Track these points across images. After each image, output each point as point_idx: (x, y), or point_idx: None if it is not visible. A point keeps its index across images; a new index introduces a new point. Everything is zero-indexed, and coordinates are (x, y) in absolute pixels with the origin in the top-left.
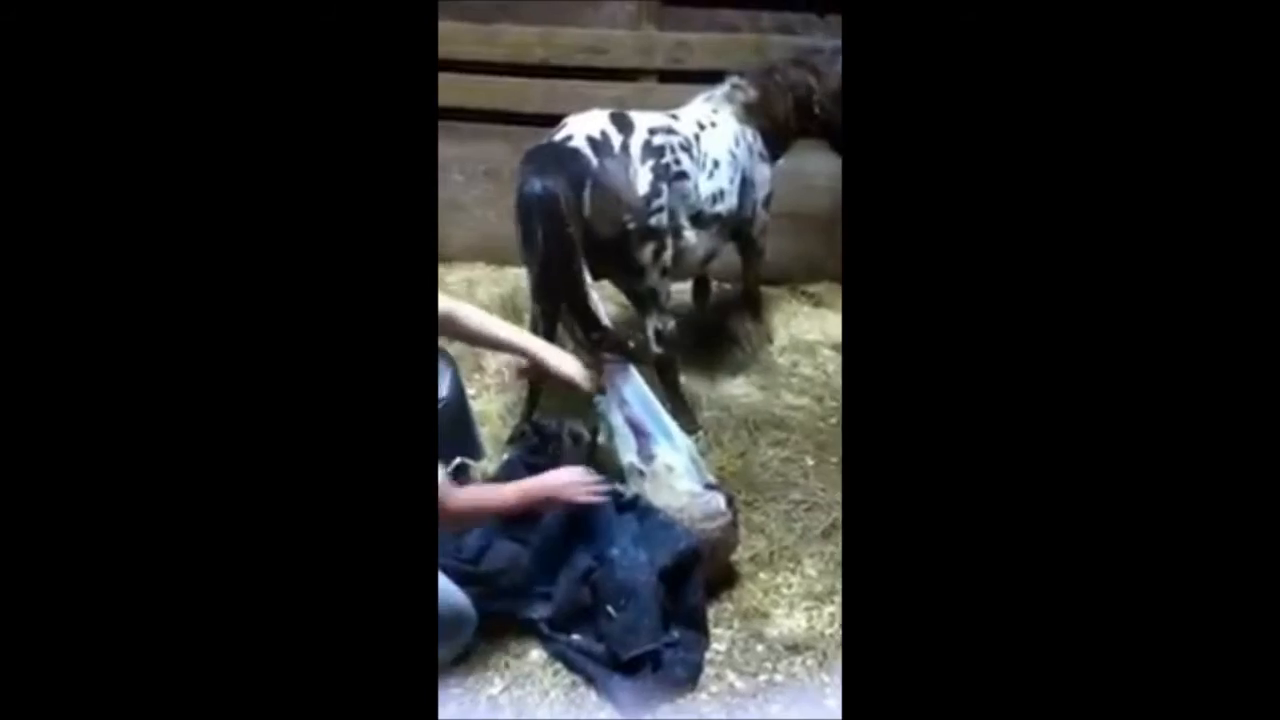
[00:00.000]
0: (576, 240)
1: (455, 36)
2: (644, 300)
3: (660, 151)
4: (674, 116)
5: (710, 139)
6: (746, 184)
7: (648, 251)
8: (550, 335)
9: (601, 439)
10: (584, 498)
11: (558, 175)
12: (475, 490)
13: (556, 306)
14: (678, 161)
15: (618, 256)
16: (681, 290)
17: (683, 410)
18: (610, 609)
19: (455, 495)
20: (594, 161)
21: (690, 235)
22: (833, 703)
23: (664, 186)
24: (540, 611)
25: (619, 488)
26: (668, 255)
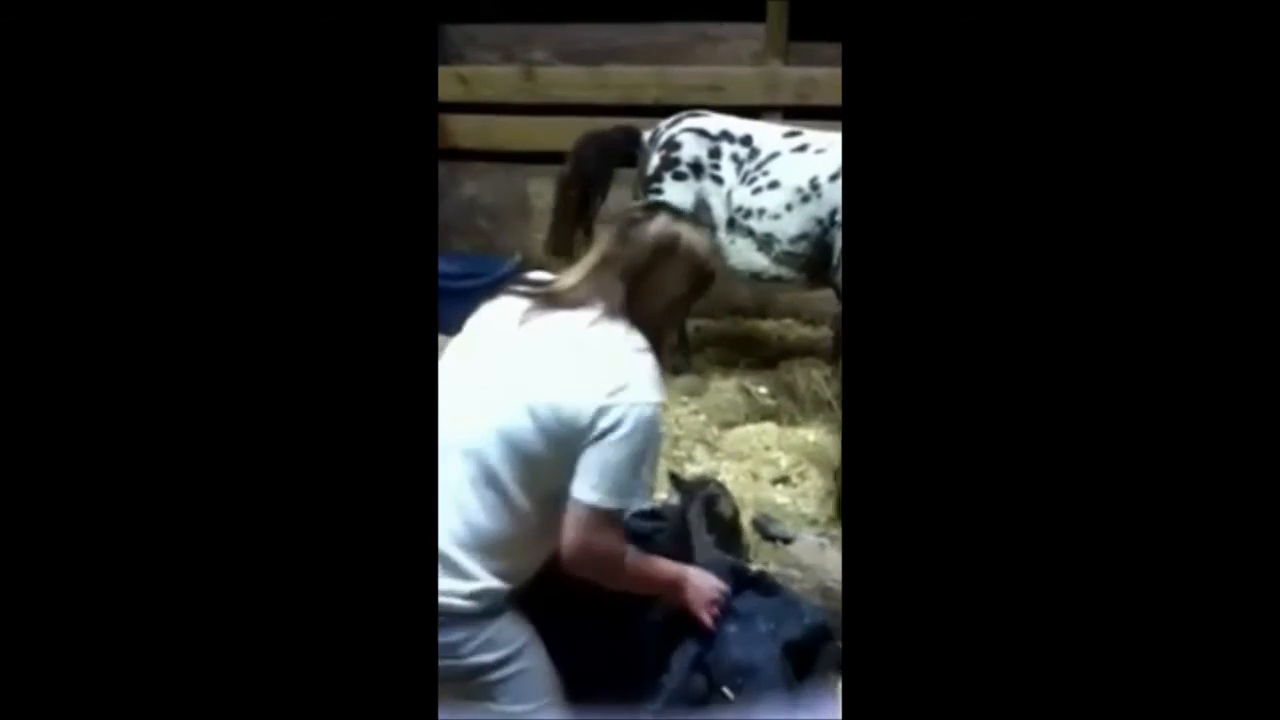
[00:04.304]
0: (580, 181)
1: (565, 80)
2: None
3: (677, 146)
4: (792, 134)
5: (794, 163)
6: (822, 223)
7: None
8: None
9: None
10: (706, 620)
11: (594, 144)
12: (645, 560)
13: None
14: (716, 166)
15: None
16: None
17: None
18: (726, 690)
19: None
20: (645, 144)
21: (723, 236)
22: None
23: (666, 174)
24: (651, 706)
25: (740, 563)
26: None
